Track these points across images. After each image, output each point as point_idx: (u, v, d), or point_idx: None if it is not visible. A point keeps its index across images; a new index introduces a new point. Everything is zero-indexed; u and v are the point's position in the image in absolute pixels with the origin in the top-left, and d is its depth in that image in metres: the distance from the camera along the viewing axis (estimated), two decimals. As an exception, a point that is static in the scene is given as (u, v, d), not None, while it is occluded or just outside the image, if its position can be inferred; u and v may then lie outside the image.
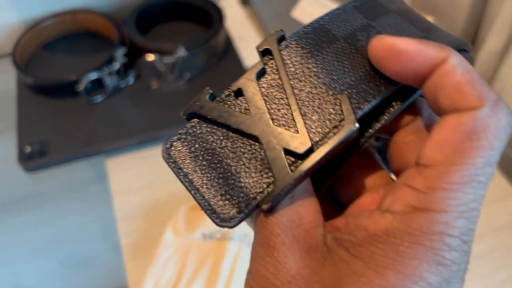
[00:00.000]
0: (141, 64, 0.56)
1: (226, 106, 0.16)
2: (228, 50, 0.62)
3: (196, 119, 0.17)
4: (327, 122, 0.15)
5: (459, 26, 0.69)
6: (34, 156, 0.51)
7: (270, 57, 0.16)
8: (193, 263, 0.43)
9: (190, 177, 0.16)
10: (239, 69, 0.60)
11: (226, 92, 0.17)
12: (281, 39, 0.17)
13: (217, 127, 0.16)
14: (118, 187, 0.51)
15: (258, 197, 0.15)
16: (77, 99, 0.56)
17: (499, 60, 0.61)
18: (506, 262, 0.45)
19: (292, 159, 0.15)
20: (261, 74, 0.16)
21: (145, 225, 0.48)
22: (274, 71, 0.16)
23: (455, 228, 0.14)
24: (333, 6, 0.64)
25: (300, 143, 0.15)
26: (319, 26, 0.17)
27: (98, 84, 0.56)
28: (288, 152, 0.15)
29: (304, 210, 0.15)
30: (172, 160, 0.16)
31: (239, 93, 0.17)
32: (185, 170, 0.16)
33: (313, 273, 0.14)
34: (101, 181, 0.86)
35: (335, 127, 0.15)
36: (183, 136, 0.16)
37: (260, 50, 0.16)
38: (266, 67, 0.16)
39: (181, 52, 0.56)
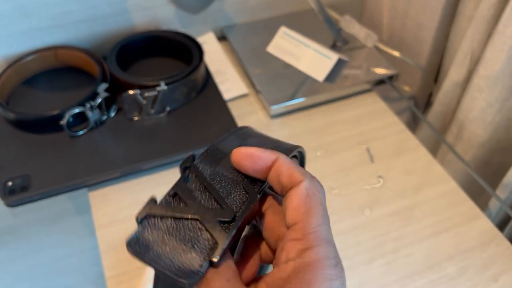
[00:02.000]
0: (123, 98, 0.58)
1: (168, 204, 0.24)
2: (208, 83, 0.65)
3: (146, 220, 0.23)
4: (239, 199, 0.24)
5: (424, 58, 0.74)
6: (16, 191, 0.52)
7: (189, 170, 0.25)
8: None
9: (153, 255, 0.22)
10: (218, 101, 0.62)
11: (166, 196, 0.24)
12: (193, 158, 0.26)
13: (164, 219, 0.23)
14: (101, 219, 0.52)
15: (207, 257, 0.21)
16: (59, 133, 0.57)
17: (461, 90, 0.66)
18: (477, 283, 0.48)
19: (225, 225, 0.23)
20: (185, 180, 0.25)
21: (129, 257, 0.49)
22: (194, 176, 0.25)
23: (330, 253, 0.22)
24: (305, 41, 0.67)
25: (227, 214, 0.23)
26: (214, 147, 0.26)
27: (80, 118, 0.58)
28: (220, 221, 0.23)
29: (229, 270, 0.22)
30: (136, 250, 0.23)
31: (174, 195, 0.24)
32: (150, 253, 0.22)
33: None
34: (81, 213, 0.86)
35: (245, 202, 0.24)
36: (143, 228, 0.23)
37: (182, 167, 0.25)
38: (189, 175, 0.25)
39: (162, 86, 0.58)
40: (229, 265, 0.22)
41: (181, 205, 0.23)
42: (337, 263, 0.22)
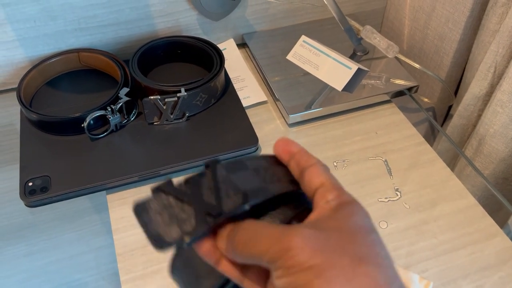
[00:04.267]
0: (143, 103, 0.58)
1: (178, 187, 0.27)
2: (227, 89, 0.65)
3: (156, 192, 0.27)
4: (233, 204, 0.26)
5: (444, 70, 0.73)
6: (36, 192, 0.53)
7: (208, 169, 0.28)
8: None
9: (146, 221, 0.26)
10: (237, 108, 0.63)
11: (181, 181, 0.27)
12: (218, 161, 0.28)
13: (169, 195, 0.27)
14: (118, 223, 0.53)
15: (182, 236, 0.25)
16: (79, 135, 0.58)
17: (482, 104, 0.65)
18: (492, 301, 0.47)
19: (210, 218, 0.26)
20: (201, 175, 0.28)
21: (144, 261, 0.49)
22: (209, 174, 0.28)
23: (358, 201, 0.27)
24: (325, 50, 0.67)
25: (215, 210, 0.26)
26: (242, 160, 0.29)
27: (101, 121, 0.59)
28: (208, 214, 0.26)
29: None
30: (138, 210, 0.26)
31: (186, 182, 0.27)
32: (144, 216, 0.26)
33: None
34: (98, 211, 0.87)
35: (236, 207, 0.26)
36: (151, 197, 0.27)
37: (205, 164, 0.28)
38: (206, 172, 0.28)
39: (182, 93, 0.58)
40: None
41: (187, 191, 0.27)
42: None
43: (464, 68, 0.73)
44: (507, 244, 0.52)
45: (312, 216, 0.26)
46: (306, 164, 0.28)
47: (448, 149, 0.72)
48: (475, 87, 0.64)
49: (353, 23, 0.70)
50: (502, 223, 0.58)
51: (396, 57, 0.70)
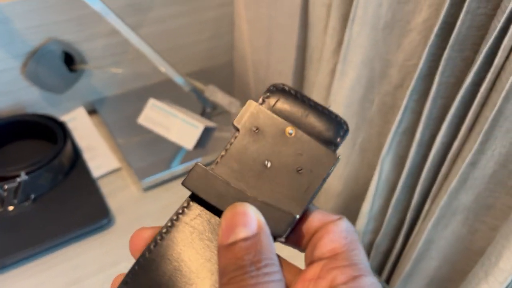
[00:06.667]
0: (-19, 192, 0.56)
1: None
2: (76, 163, 0.65)
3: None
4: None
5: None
6: None
7: None
8: None
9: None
10: (87, 181, 0.63)
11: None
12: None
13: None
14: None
15: None
16: None
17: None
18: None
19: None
20: None
21: None
22: None
23: (378, 284, 0.21)
24: (173, 111, 0.71)
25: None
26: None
27: None
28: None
29: None
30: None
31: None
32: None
33: None
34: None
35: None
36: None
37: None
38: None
39: (22, 177, 0.57)
40: None
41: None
42: None
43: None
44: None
45: None
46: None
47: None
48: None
49: (197, 83, 0.75)
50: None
51: (241, 110, 0.76)
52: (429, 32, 0.46)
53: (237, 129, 0.25)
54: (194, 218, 0.24)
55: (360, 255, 0.22)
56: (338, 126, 0.25)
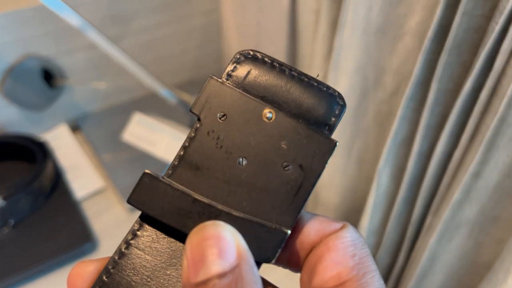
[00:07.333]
0: (-45, 220, 0.53)
1: None
2: (58, 184, 0.62)
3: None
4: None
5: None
6: None
7: None
8: None
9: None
10: (70, 203, 0.60)
11: None
12: None
13: None
14: None
15: None
16: None
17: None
18: None
19: None
20: None
21: None
22: None
23: None
24: (160, 126, 0.68)
25: None
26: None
27: None
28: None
29: None
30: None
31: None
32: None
33: None
34: None
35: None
36: None
37: None
38: None
39: (0, 201, 0.54)
40: None
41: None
42: None
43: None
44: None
45: None
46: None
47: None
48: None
49: (184, 95, 0.72)
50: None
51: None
52: (424, 35, 0.44)
53: (198, 118, 0.19)
54: (148, 246, 0.18)
55: (374, 282, 0.16)
56: (331, 101, 0.19)
